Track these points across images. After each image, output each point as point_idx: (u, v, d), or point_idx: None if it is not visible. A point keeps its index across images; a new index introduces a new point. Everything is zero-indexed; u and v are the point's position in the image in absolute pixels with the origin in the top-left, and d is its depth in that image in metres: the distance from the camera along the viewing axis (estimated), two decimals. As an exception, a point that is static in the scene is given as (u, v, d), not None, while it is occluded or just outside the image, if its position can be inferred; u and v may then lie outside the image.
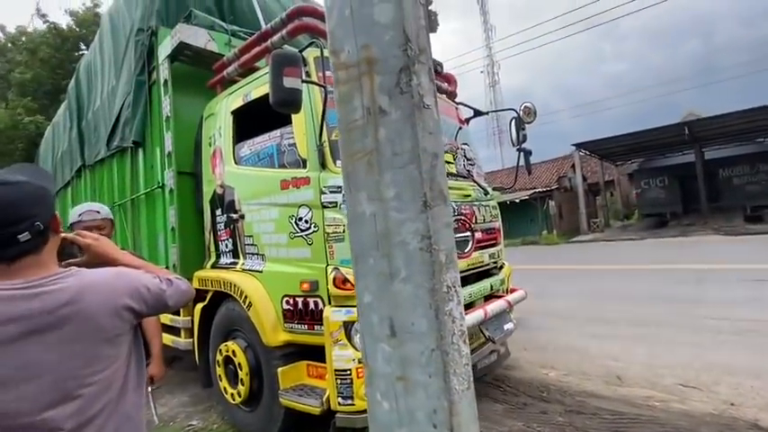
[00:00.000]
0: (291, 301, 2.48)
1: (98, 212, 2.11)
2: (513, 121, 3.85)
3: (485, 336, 2.80)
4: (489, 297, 3.26)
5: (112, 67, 4.46)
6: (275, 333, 2.53)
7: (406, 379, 0.49)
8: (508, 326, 3.10)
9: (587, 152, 20.72)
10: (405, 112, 0.50)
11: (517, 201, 19.47)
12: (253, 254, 2.80)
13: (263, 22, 3.51)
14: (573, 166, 21.35)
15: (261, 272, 2.70)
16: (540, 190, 20.93)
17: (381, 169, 0.51)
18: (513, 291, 3.51)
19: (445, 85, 3.81)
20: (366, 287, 0.54)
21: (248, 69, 3.10)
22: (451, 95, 3.90)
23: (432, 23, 0.56)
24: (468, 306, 2.94)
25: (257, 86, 2.81)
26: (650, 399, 3.03)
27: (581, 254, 13.62)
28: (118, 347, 0.94)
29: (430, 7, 0.55)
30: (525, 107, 3.81)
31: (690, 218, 19.07)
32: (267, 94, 2.03)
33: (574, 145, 19.71)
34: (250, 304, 2.63)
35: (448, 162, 3.25)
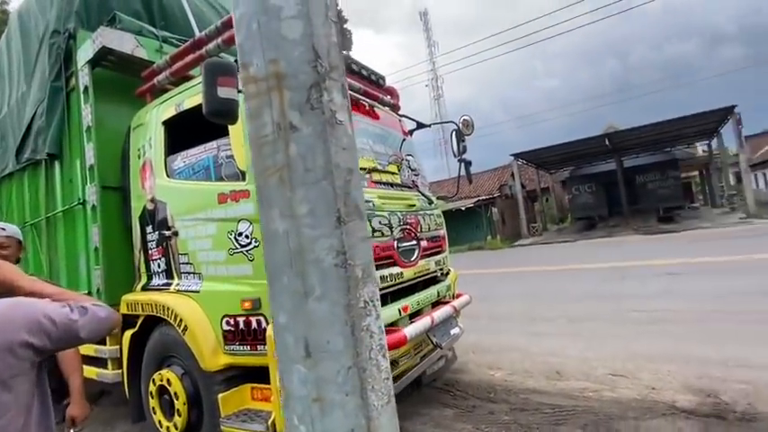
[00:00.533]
0: (232, 322, 2.35)
1: (3, 229, 1.88)
2: (454, 133, 4.01)
3: (432, 342, 2.85)
4: (437, 303, 3.33)
5: (22, 72, 4.01)
6: (215, 357, 2.38)
7: (323, 399, 0.48)
8: (455, 331, 3.18)
9: (525, 161, 22.25)
10: (316, 128, 0.50)
11: (463, 208, 20.29)
12: (188, 273, 2.62)
13: (196, 30, 3.36)
14: (512, 174, 22.74)
15: (198, 292, 2.53)
16: (484, 198, 22.02)
17: (293, 185, 0.50)
18: (458, 296, 3.62)
19: (388, 98, 3.89)
20: (281, 307, 0.52)
21: (181, 78, 2.94)
22: (395, 108, 3.98)
23: (346, 42, 0.57)
24: (417, 314, 2.98)
25: (191, 96, 2.67)
26: (585, 390, 3.26)
27: (522, 257, 14.47)
28: (13, 391, 0.82)
29: (345, 26, 0.56)
30: (464, 120, 3.99)
31: (614, 220, 21.11)
32: (201, 104, 1.94)
33: (512, 155, 21.09)
34: (186, 327, 2.45)
35: (393, 173, 3.30)
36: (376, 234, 2.62)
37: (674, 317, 4.90)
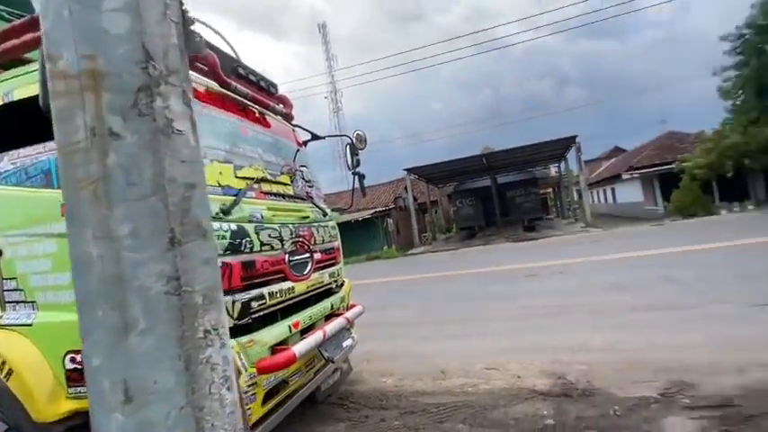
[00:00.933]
0: (79, 358, 1.95)
1: None
2: (348, 146, 4.08)
3: (324, 357, 2.80)
4: (330, 316, 3.30)
5: None
6: (53, 404, 1.93)
7: (147, 450, 0.41)
8: (348, 342, 3.18)
9: (416, 176, 23.92)
10: (144, 136, 0.44)
11: (360, 219, 20.75)
12: (17, 302, 2.10)
13: (36, 5, 2.78)
14: (406, 187, 24.18)
15: (30, 325, 2.04)
16: (380, 209, 22.92)
17: (111, 202, 0.43)
18: (352, 306, 3.65)
19: (280, 107, 3.77)
20: (94, 346, 0.44)
21: (11, 60, 2.39)
22: (288, 117, 3.88)
23: (195, 44, 0.52)
24: (310, 328, 2.90)
25: (25, 84, 2.18)
26: (465, 385, 3.57)
27: (414, 265, 15.37)
28: None
29: (192, 27, 0.51)
30: (357, 134, 4.10)
31: (490, 229, 24.06)
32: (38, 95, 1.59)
33: (405, 170, 22.51)
34: (11, 371, 1.95)
35: (285, 184, 3.20)
36: (265, 248, 2.49)
37: (535, 312, 5.74)
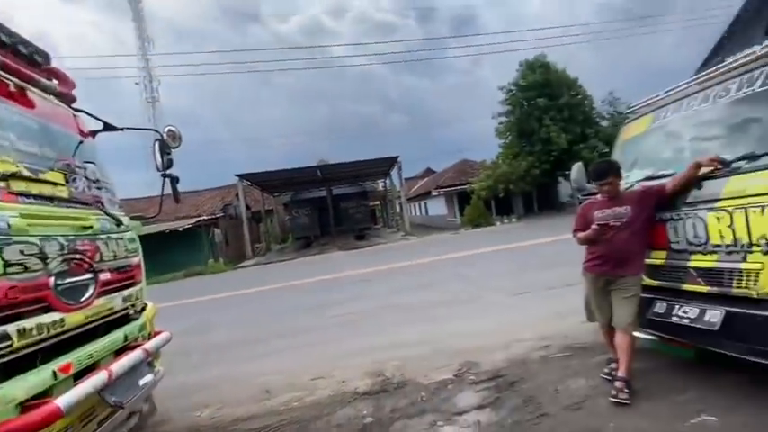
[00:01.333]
0: None
1: None
2: (157, 143, 3.47)
3: (109, 403, 2.24)
4: (125, 349, 2.68)
5: None
6: None
7: None
8: (147, 379, 2.64)
9: (249, 183, 22.51)
10: None
11: (180, 229, 18.06)
12: None
13: None
14: (237, 195, 22.44)
15: None
16: (206, 218, 20.53)
17: None
18: (156, 335, 3.07)
19: (53, 83, 2.91)
20: None
21: None
22: (65, 98, 3.02)
23: None
24: (90, 369, 2.28)
25: None
26: (290, 401, 3.45)
27: (243, 279, 14.33)
28: None
29: None
30: (170, 130, 3.53)
31: (325, 239, 24.74)
32: None
33: (237, 175, 20.86)
34: None
35: (57, 184, 2.46)
36: (12, 269, 1.84)
37: (360, 317, 6.12)
